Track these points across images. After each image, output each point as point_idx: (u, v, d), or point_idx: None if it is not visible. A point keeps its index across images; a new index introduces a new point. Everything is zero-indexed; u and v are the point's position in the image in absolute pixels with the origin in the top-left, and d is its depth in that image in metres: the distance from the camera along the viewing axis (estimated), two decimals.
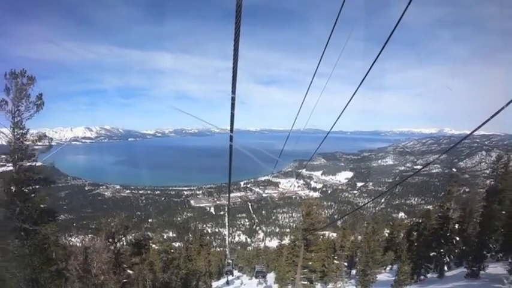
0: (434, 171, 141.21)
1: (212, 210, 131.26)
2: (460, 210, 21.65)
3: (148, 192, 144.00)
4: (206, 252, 38.68)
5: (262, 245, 58.31)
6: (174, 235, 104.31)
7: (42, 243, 9.00)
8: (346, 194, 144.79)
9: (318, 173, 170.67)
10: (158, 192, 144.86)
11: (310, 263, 20.42)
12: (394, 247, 29.17)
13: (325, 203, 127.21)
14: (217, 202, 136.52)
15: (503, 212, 17.20)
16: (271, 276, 32.40)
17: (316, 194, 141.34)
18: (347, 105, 4.18)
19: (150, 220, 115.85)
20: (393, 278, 19.10)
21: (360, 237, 31.22)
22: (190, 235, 74.85)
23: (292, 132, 5.95)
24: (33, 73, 8.47)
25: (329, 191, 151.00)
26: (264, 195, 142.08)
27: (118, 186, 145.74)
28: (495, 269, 16.85)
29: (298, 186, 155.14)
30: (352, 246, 29.57)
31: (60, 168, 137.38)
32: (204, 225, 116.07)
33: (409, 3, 2.51)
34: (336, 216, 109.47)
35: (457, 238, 20.17)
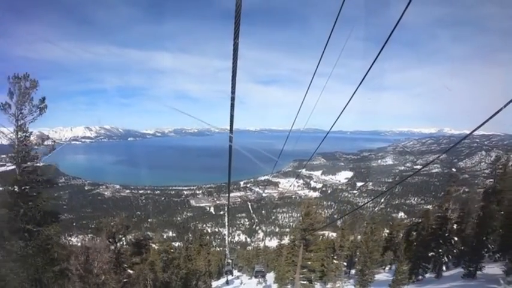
0: (434, 171, 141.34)
1: (212, 210, 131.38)
2: (459, 210, 21.76)
3: (148, 192, 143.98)
4: (206, 252, 38.83)
5: (261, 244, 58.38)
6: (174, 235, 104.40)
7: (45, 243, 9.14)
8: (346, 194, 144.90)
9: (318, 173, 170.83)
10: (158, 192, 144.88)
11: (309, 262, 20.52)
12: (393, 247, 29.33)
13: (324, 202, 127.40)
14: (217, 202, 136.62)
15: (502, 213, 17.32)
16: (270, 276, 32.53)
17: (316, 194, 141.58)
18: (347, 105, 4.19)
19: (150, 220, 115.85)
20: (392, 278, 19.25)
21: (359, 237, 31.32)
22: (190, 235, 75.19)
23: (292, 132, 5.93)
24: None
25: (329, 191, 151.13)
26: (263, 195, 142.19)
27: (118, 186, 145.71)
28: (492, 269, 16.96)
29: (298, 186, 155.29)
30: (351, 246, 29.68)
31: (60, 168, 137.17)
32: (204, 225, 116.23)
33: (409, 3, 2.51)
34: (335, 216, 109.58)
35: (456, 238, 20.26)
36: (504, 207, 17.37)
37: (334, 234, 40.25)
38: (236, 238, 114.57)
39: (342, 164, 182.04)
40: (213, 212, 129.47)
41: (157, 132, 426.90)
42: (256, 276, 27.20)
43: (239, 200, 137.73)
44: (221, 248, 75.04)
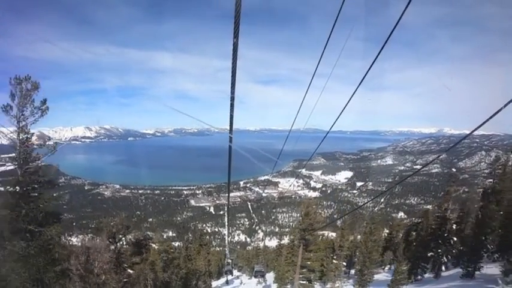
0: (433, 171, 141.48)
1: (212, 209, 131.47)
2: (458, 210, 21.83)
3: (148, 191, 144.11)
4: (206, 252, 38.88)
5: (261, 244, 58.43)
6: (174, 235, 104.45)
7: (46, 244, 9.21)
8: (346, 194, 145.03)
9: (318, 173, 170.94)
10: (158, 191, 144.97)
11: (309, 262, 20.57)
12: (392, 247, 29.40)
13: (324, 202, 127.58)
14: (217, 202, 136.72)
15: (501, 213, 17.36)
16: (270, 276, 32.59)
17: (315, 194, 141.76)
18: (346, 105, 4.20)
19: (149, 220, 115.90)
20: (391, 278, 19.32)
21: (359, 237, 31.38)
22: (190, 235, 75.18)
23: (292, 132, 5.94)
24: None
25: (328, 191, 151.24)
26: (263, 194, 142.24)
27: (118, 186, 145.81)
28: (491, 269, 17.04)
29: (298, 186, 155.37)
30: (351, 246, 29.73)
31: (60, 168, 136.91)
32: (204, 225, 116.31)
33: (409, 3, 2.51)
34: (335, 216, 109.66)
35: (455, 238, 20.33)
36: (503, 207, 17.41)
37: (334, 234, 40.28)
38: (236, 238, 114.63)
39: (342, 164, 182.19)
40: (213, 212, 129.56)
41: (157, 132, 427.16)
42: (256, 276, 27.25)
43: (239, 199, 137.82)
44: (221, 248, 75.11)
